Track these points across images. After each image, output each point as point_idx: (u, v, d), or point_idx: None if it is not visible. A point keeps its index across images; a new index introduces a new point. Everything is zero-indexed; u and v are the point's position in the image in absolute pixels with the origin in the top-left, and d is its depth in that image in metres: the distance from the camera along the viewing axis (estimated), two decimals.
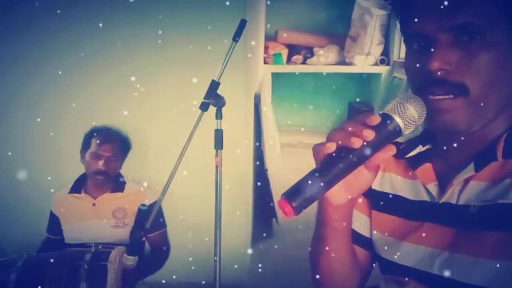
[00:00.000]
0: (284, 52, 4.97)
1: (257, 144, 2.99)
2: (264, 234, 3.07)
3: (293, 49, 5.03)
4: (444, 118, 0.63)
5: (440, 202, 0.69)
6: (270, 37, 4.98)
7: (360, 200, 0.83)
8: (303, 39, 4.98)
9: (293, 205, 0.58)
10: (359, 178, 0.64)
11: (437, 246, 0.68)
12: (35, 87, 2.39)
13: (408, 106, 0.61)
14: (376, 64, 4.75)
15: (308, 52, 5.00)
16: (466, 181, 0.67)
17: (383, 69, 4.77)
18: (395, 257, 0.74)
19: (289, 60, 5.01)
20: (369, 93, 5.31)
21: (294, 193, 0.59)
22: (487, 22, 0.60)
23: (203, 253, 2.00)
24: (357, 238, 0.82)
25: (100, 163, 1.80)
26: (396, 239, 0.75)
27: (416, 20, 0.64)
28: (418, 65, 0.64)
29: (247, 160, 2.63)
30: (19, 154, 2.40)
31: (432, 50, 0.62)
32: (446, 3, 0.60)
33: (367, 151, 0.59)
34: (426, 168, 0.73)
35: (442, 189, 0.70)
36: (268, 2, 4.37)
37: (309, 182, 0.59)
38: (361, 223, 0.83)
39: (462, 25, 0.60)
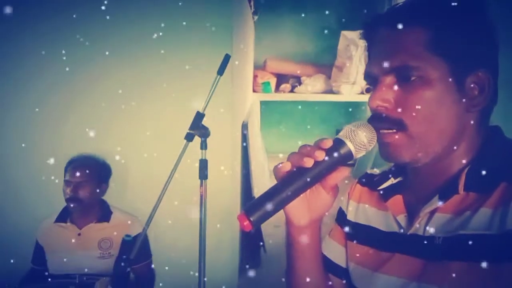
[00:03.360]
0: (273, 81, 5.07)
1: (245, 171, 3.00)
2: (250, 265, 3.04)
3: (281, 78, 5.13)
4: (388, 150, 0.69)
5: (409, 233, 0.72)
6: (259, 66, 5.08)
7: (336, 230, 0.86)
8: (291, 69, 5.09)
9: (251, 219, 0.62)
10: (319, 200, 0.70)
11: (406, 277, 0.70)
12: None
13: (359, 132, 0.67)
14: (362, 92, 4.86)
15: (296, 81, 5.10)
16: (432, 213, 0.70)
17: (368, 98, 4.89)
18: None
19: (277, 89, 5.11)
20: (356, 120, 5.40)
21: (252, 208, 0.63)
22: (422, 63, 0.66)
23: (189, 284, 1.99)
24: (332, 267, 0.84)
25: (69, 189, 1.79)
26: (370, 270, 0.77)
27: (368, 63, 0.72)
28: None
29: (234, 190, 2.64)
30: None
31: (374, 90, 0.69)
32: (387, 48, 0.68)
33: (319, 171, 0.64)
34: (397, 200, 0.76)
35: (411, 220, 0.73)
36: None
37: (267, 198, 0.64)
38: (335, 252, 0.85)
39: (400, 67, 0.67)
